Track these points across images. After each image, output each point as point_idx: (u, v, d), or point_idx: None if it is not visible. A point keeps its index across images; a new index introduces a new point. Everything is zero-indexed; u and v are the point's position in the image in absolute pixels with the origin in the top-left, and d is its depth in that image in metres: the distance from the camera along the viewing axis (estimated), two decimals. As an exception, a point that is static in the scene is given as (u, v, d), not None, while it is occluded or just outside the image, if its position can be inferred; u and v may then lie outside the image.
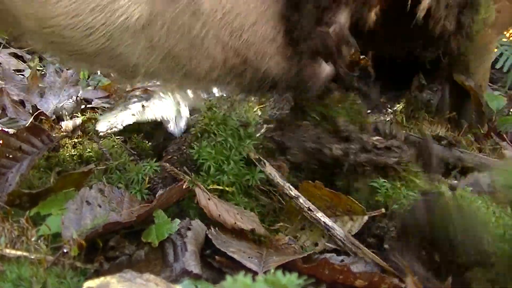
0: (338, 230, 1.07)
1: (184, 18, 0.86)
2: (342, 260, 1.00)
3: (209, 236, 0.98)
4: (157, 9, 0.83)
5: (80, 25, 0.81)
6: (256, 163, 1.14)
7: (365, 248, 1.04)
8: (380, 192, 1.11)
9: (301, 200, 1.11)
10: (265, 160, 1.15)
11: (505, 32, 2.97)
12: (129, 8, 0.81)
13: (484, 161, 1.33)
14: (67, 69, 2.00)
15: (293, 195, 1.12)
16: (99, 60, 0.88)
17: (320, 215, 1.09)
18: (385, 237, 1.07)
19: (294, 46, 0.90)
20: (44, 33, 0.83)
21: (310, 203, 1.11)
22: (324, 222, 1.08)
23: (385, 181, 1.13)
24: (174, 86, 1.02)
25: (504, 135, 1.82)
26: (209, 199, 1.04)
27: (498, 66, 2.69)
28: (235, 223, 1.01)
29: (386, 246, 1.04)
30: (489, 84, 2.61)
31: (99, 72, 2.03)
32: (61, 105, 1.79)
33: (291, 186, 1.13)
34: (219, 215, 1.02)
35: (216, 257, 0.97)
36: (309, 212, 1.09)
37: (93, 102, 1.86)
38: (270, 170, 1.15)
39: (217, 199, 1.07)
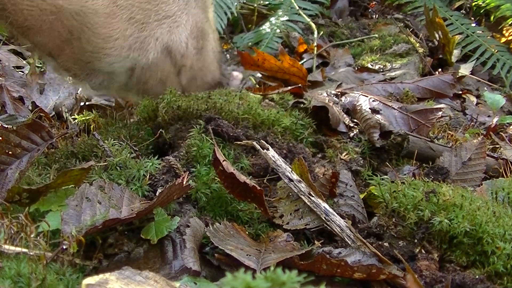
0: (337, 216, 1.08)
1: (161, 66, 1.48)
2: (340, 253, 1.00)
3: (208, 233, 0.98)
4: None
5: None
6: (258, 148, 1.17)
7: (359, 236, 1.05)
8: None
9: (302, 185, 1.12)
10: (268, 146, 1.19)
11: (503, 33, 2.97)
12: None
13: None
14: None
15: (295, 178, 1.13)
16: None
17: (320, 200, 1.11)
18: (384, 235, 1.07)
19: None
20: None
21: (310, 188, 1.13)
22: (324, 208, 1.09)
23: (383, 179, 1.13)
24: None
25: (503, 135, 1.82)
26: (224, 160, 1.09)
27: (495, 72, 2.71)
28: (245, 181, 1.07)
29: (385, 244, 1.04)
30: (489, 84, 2.62)
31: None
32: (60, 101, 1.79)
33: (292, 171, 1.15)
34: (232, 172, 1.06)
35: (216, 254, 0.97)
36: (309, 197, 1.10)
37: (92, 99, 1.86)
38: (273, 153, 1.16)
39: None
